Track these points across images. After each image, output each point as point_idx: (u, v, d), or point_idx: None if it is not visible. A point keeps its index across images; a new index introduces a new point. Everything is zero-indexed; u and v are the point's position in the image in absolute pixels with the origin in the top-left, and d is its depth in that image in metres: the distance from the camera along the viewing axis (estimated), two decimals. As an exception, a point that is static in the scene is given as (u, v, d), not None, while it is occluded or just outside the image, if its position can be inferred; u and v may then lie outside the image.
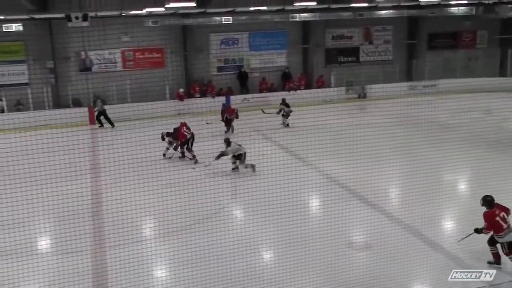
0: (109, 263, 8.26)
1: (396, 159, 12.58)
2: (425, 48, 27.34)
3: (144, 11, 19.64)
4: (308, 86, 25.23)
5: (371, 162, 11.47)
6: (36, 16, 20.34)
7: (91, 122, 20.73)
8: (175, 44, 23.57)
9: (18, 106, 21.54)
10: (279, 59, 25.57)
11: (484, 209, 7.76)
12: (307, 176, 12.14)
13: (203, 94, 23.64)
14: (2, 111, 21.14)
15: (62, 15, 18.04)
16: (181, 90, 22.85)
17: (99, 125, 20.34)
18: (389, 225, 9.33)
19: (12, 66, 21.94)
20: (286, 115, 18.74)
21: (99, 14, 18.67)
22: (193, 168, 13.19)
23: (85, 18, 17.47)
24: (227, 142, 13.17)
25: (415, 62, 26.35)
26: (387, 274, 7.60)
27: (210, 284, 7.37)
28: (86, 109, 21.08)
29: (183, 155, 14.71)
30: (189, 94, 23.36)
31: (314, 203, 11.54)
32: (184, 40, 23.76)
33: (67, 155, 11.88)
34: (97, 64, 22.89)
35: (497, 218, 7.57)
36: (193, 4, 17.13)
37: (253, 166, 13.06)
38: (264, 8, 21.90)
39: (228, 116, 18.04)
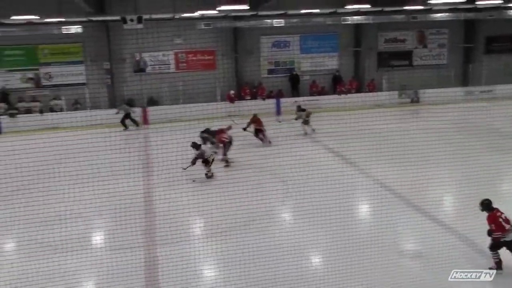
0: (160, 260, 8.41)
1: (450, 166, 12.23)
2: (482, 52, 26.48)
3: (197, 13, 19.97)
4: (359, 90, 24.92)
5: (424, 168, 11.18)
6: (94, 19, 21.04)
7: (144, 122, 21.22)
8: (226, 46, 23.81)
9: (76, 105, 22.34)
10: (330, 62, 25.38)
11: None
12: (357, 181, 11.98)
13: (254, 97, 23.76)
14: (61, 110, 21.97)
15: (118, 18, 18.56)
16: (232, 92, 23.05)
17: (124, 127, 20.57)
18: (441, 234, 9.07)
19: (71, 66, 22.84)
20: (306, 122, 18.05)
21: (153, 16, 19.12)
22: (193, 181, 13.02)
23: (139, 20, 17.90)
24: (196, 146, 13.10)
25: (471, 67, 25.55)
26: (439, 285, 7.40)
27: (257, 285, 7.39)
28: (139, 109, 21.58)
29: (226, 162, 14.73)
30: (240, 96, 23.53)
31: (365, 208, 11.37)
32: (235, 42, 23.97)
33: (121, 153, 12.23)
34: (151, 65, 23.44)
35: (500, 220, 7.61)
36: (245, 7, 17.25)
37: (211, 176, 13.12)
38: (316, 10, 21.83)
39: (256, 126, 16.79)
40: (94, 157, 13.11)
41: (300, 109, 18.30)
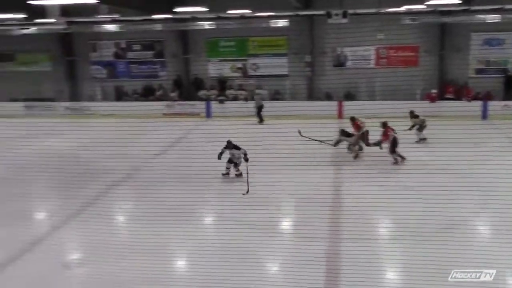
0: (343, 255, 8.47)
1: None
2: None
3: (403, 8, 19.37)
4: None
5: None
6: (301, 13, 21.81)
7: (339, 116, 21.40)
8: (431, 42, 22.64)
9: (276, 95, 23.59)
10: (552, 64, 22.41)
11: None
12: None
13: (457, 97, 22.21)
14: (262, 99, 23.37)
15: (323, 12, 18.96)
16: (433, 91, 21.88)
17: (259, 120, 20.91)
18: None
19: (275, 58, 24.04)
20: (421, 128, 16.37)
21: (358, 11, 19.09)
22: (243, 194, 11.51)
23: (344, 15, 18.07)
24: (228, 143, 12.70)
25: None
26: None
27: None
28: (336, 103, 21.84)
29: (396, 160, 14.13)
30: (441, 96, 22.21)
31: None
32: (442, 39, 22.62)
33: (313, 144, 12.57)
34: (351, 60, 23.47)
35: None
36: (457, 1, 16.20)
37: (240, 174, 12.63)
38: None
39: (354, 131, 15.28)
40: (289, 146, 13.71)
41: (413, 115, 16.63)
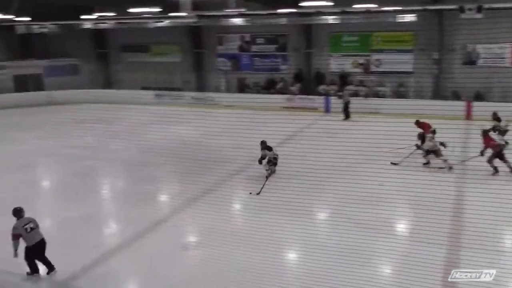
0: (462, 264, 8.03)
1: None
2: None
3: (548, 2, 17.73)
4: None
5: None
6: (430, 7, 20.83)
7: (467, 117, 20.13)
8: None
9: (400, 88, 22.86)
10: None
11: None
12: None
13: None
14: (383, 96, 22.78)
15: (455, 7, 17.96)
16: None
17: (344, 117, 20.85)
18: None
19: (400, 55, 23.20)
20: (502, 132, 14.32)
21: (494, 6, 17.83)
22: (250, 193, 11.83)
23: (479, 9, 16.97)
24: (263, 145, 13.06)
25: None
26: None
27: None
28: (463, 103, 20.58)
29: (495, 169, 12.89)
30: None
31: None
32: None
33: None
34: (483, 58, 21.93)
35: None
36: None
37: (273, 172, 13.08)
38: None
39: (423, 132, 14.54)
40: (408, 145, 13.26)
41: (496, 117, 14.71)
